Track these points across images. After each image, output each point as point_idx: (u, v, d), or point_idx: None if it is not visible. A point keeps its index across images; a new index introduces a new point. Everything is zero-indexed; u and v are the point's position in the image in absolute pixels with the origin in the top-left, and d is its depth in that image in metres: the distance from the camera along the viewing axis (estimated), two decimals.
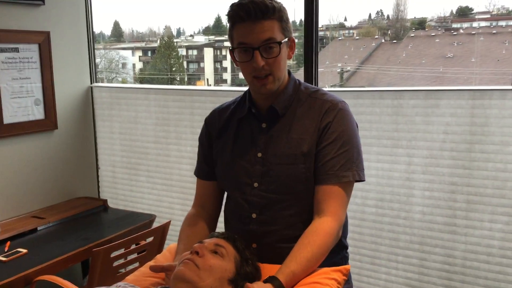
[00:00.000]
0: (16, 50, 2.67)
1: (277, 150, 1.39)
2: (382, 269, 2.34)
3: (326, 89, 2.50)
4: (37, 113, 2.80)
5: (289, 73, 1.45)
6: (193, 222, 1.53)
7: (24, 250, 2.23)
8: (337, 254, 1.45)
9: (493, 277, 2.10)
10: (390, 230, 2.30)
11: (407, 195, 2.24)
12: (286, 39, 1.36)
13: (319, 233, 1.31)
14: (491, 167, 2.06)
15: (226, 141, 1.49)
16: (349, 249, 1.57)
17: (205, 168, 1.57)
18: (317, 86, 2.43)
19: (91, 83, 3.13)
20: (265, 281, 1.24)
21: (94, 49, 3.14)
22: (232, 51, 1.38)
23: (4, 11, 2.59)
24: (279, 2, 1.36)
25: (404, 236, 2.27)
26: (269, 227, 1.41)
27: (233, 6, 1.34)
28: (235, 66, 1.44)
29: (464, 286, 2.16)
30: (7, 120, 2.64)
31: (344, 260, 1.51)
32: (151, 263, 1.47)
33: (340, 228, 1.36)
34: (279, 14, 1.33)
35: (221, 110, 1.56)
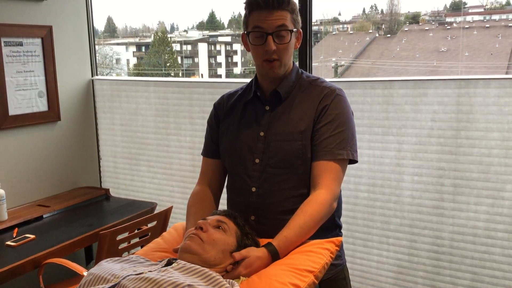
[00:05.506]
0: (20, 44, 2.76)
1: (278, 128, 1.52)
2: (374, 251, 2.45)
3: None
4: (41, 105, 2.89)
5: (293, 63, 1.59)
6: (200, 198, 1.63)
7: (32, 236, 2.33)
8: (330, 231, 1.56)
9: (479, 256, 2.22)
10: (382, 213, 2.41)
11: (397, 180, 2.35)
12: (295, 30, 1.50)
13: (312, 203, 1.43)
14: (476, 152, 2.17)
15: (232, 121, 1.62)
16: (343, 232, 1.67)
17: (212, 147, 1.68)
18: None
19: (92, 76, 3.22)
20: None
21: (94, 43, 3.22)
22: (245, 35, 1.51)
23: (8, 5, 2.68)
24: None
25: (395, 219, 2.38)
26: (267, 199, 1.52)
27: None
28: (245, 50, 1.59)
29: (451, 265, 2.28)
30: (12, 111, 2.73)
31: None
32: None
33: (334, 201, 1.46)
34: (292, 6, 1.48)
35: (229, 95, 1.70)
